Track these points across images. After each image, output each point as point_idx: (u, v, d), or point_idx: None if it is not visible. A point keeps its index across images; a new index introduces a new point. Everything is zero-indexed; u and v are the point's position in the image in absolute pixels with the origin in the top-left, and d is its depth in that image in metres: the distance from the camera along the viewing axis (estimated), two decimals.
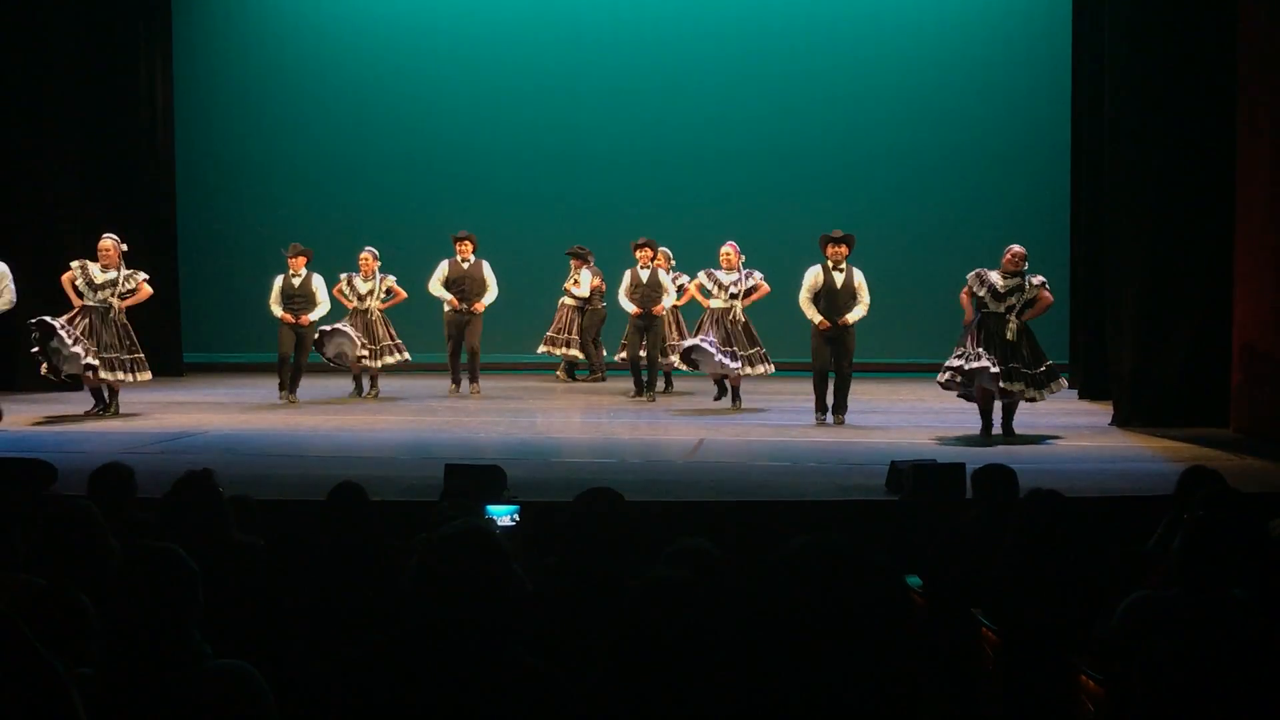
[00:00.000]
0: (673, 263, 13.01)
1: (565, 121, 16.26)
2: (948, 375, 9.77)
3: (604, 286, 13.89)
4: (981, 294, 9.86)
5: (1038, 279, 9.91)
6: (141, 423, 10.73)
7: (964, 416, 10.21)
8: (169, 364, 14.96)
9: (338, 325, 12.31)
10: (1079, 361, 13.21)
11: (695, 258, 11.85)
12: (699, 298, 11.83)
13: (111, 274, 10.90)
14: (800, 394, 11.51)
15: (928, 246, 15.52)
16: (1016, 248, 9.95)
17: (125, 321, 10.97)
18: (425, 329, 13.79)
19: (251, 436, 10.04)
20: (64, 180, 13.62)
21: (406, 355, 12.77)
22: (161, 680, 2.94)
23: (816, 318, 10.69)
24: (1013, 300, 9.78)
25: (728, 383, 11.71)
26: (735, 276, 11.53)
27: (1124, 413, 10.57)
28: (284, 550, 5.01)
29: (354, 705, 2.82)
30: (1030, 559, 4.49)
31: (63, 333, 10.45)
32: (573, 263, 14.11)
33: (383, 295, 12.67)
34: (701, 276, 11.71)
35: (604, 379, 14.18)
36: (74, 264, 10.91)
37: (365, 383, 12.80)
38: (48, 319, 10.51)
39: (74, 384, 11.17)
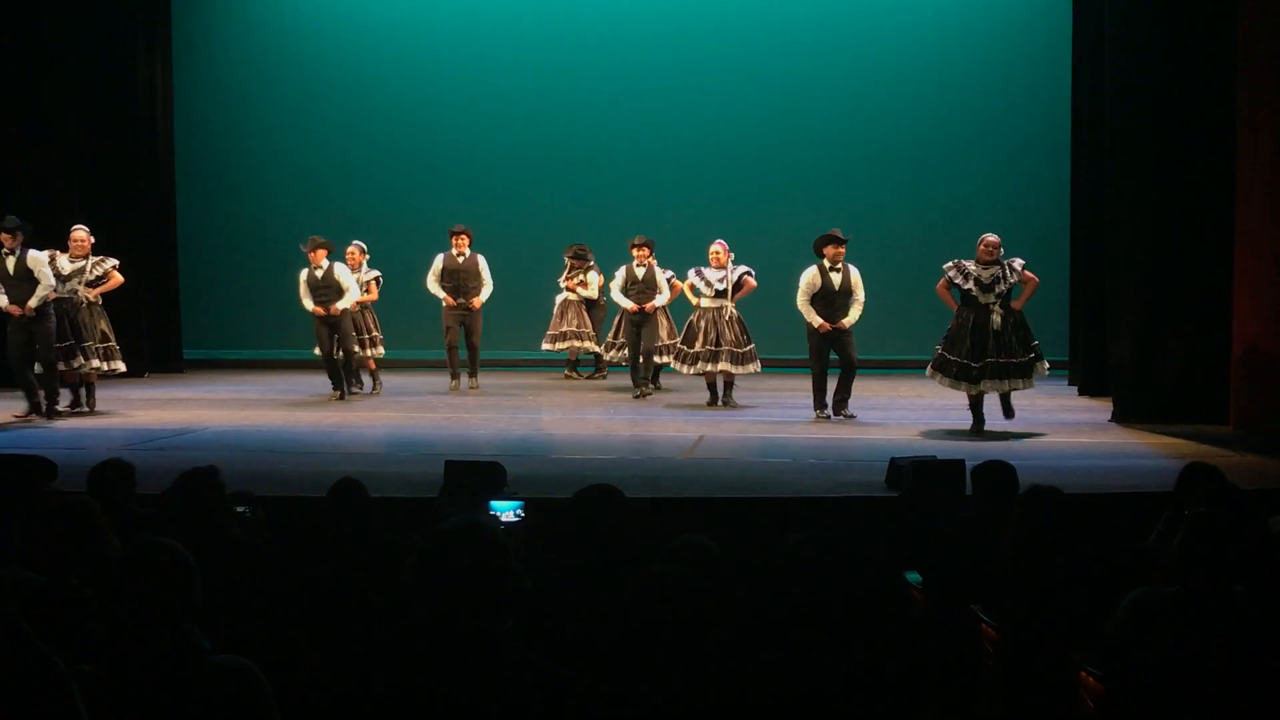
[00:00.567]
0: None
1: (563, 119, 16.25)
2: (935, 372, 9.94)
3: (604, 285, 13.90)
4: (967, 286, 9.87)
5: (1018, 262, 9.91)
6: (141, 419, 10.73)
7: (964, 414, 10.21)
8: (169, 360, 14.98)
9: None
10: (1078, 358, 13.18)
11: (695, 257, 11.84)
12: (690, 296, 11.83)
13: (79, 263, 10.88)
14: (799, 390, 11.51)
15: (927, 245, 15.45)
16: (991, 236, 9.95)
17: (100, 309, 10.94)
18: (424, 325, 13.79)
19: (252, 433, 10.05)
20: (64, 178, 13.59)
21: (381, 350, 12.84)
22: (161, 676, 2.94)
23: (816, 320, 10.68)
24: (1000, 288, 9.79)
25: (720, 381, 11.63)
26: (723, 274, 11.53)
27: (1123, 409, 10.56)
28: (284, 546, 5.01)
29: (353, 700, 2.82)
30: (1030, 555, 4.48)
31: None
32: (574, 263, 14.08)
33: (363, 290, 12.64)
34: (691, 275, 11.70)
35: (605, 376, 14.21)
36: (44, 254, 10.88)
37: (367, 380, 12.82)
38: None
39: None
